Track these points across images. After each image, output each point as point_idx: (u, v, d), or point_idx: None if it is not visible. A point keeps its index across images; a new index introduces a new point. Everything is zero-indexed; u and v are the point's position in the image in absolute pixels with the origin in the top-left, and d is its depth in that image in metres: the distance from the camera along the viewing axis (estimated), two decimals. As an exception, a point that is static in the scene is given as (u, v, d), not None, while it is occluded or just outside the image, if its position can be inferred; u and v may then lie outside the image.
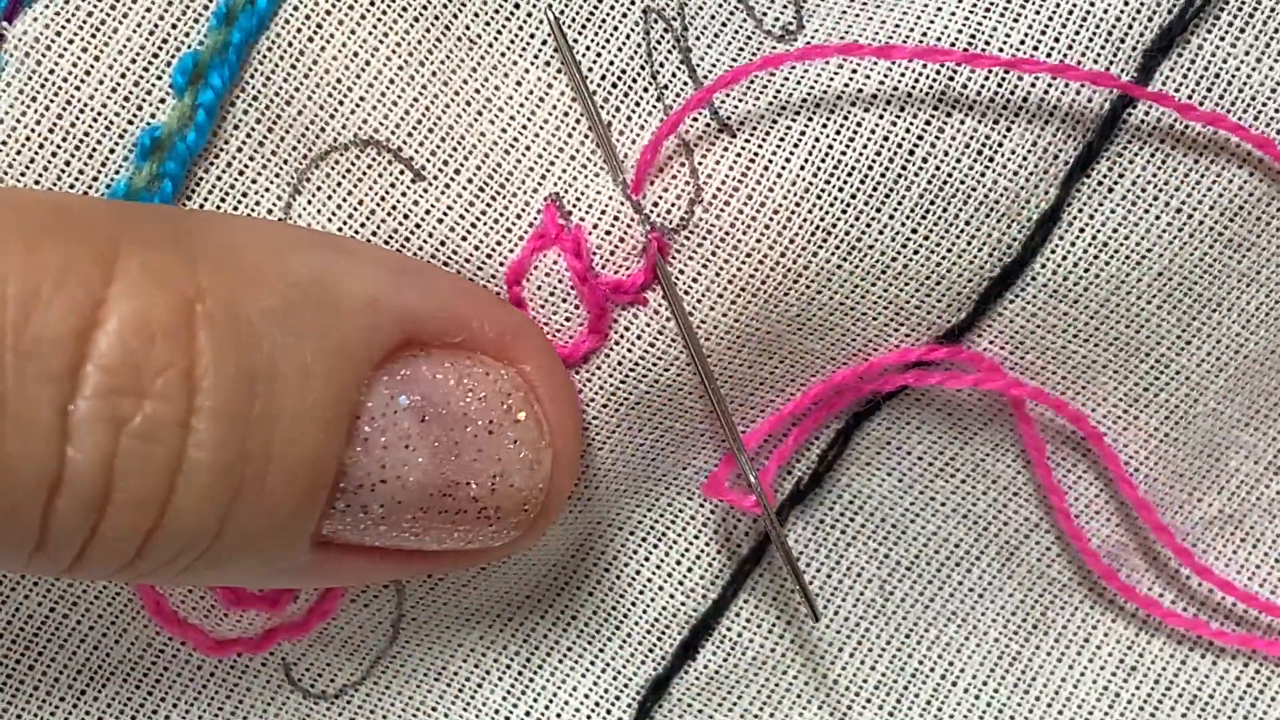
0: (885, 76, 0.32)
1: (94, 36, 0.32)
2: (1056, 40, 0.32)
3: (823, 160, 0.32)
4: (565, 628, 0.37)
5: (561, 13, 0.33)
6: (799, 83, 0.33)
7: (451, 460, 0.29)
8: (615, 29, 0.34)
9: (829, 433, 0.36)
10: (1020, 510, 0.37)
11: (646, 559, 0.37)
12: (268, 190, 0.32)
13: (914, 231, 0.32)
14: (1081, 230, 0.33)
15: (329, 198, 0.32)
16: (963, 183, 0.32)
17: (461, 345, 0.30)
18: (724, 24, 0.34)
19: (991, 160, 0.32)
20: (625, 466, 0.35)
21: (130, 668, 0.35)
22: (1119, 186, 0.33)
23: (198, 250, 0.27)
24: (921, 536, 0.37)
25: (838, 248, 0.32)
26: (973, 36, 0.32)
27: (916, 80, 0.32)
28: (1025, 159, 0.32)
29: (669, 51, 0.34)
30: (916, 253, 0.33)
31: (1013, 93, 0.32)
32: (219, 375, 0.26)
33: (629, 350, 0.33)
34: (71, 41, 0.31)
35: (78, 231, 0.26)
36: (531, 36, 0.33)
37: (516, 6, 0.33)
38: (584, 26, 0.33)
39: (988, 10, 0.32)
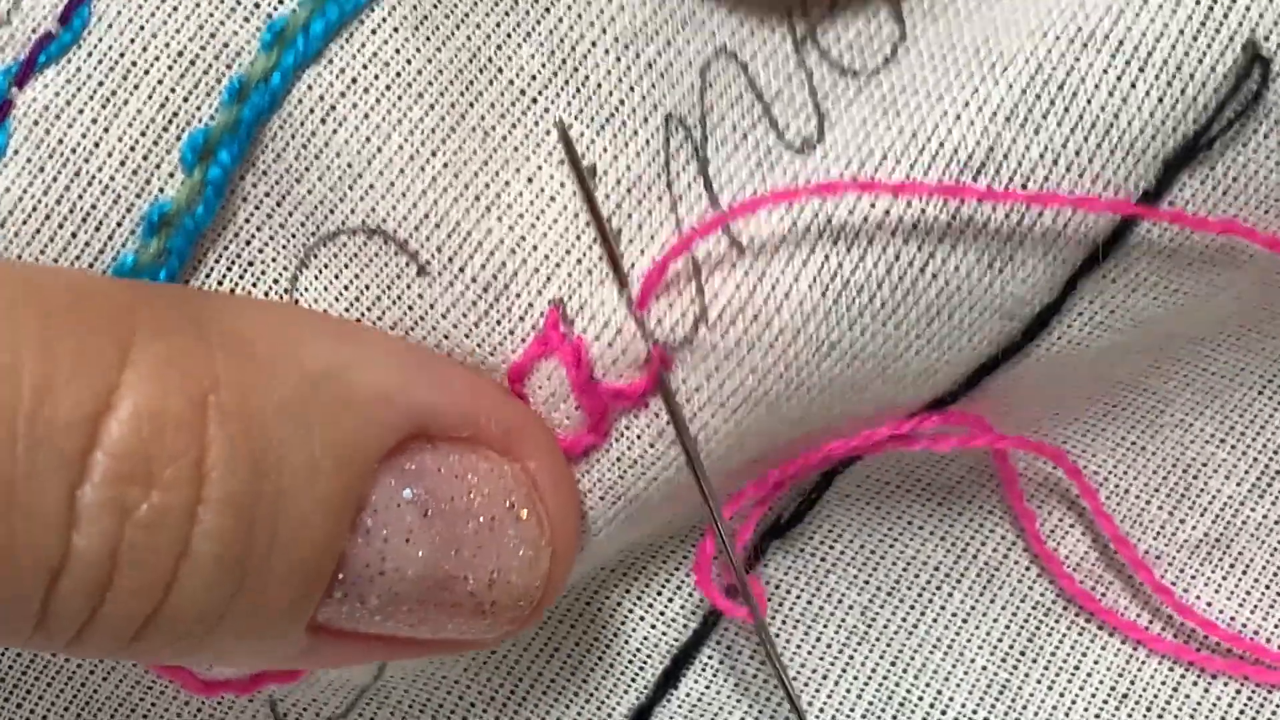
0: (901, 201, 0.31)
1: (104, 107, 0.31)
2: (1077, 153, 0.31)
3: (831, 279, 0.31)
4: (548, 659, 0.37)
5: (580, 114, 0.32)
6: (812, 204, 0.32)
7: (451, 555, 0.29)
8: (635, 134, 0.32)
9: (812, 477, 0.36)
10: (996, 529, 0.37)
11: (627, 590, 0.37)
12: (274, 260, 0.32)
13: (918, 338, 0.32)
14: (1080, 314, 0.33)
15: (335, 277, 0.32)
16: (970, 293, 0.32)
17: (468, 440, 0.30)
18: (744, 135, 0.33)
19: (1001, 272, 0.32)
20: (617, 545, 0.35)
21: (118, 704, 0.35)
22: (1122, 279, 0.32)
23: (213, 338, 0.27)
24: (901, 560, 0.37)
25: (840, 358, 0.32)
26: (991, 148, 0.31)
27: (930, 203, 0.31)
28: (1034, 268, 0.32)
29: (687, 161, 0.33)
30: (918, 354, 0.32)
31: (1026, 211, 0.31)
32: (228, 467, 0.26)
33: (628, 448, 0.32)
34: (82, 111, 0.30)
35: (94, 317, 0.26)
36: (547, 133, 0.32)
37: (534, 101, 0.32)
38: (602, 128, 0.32)
39: (1008, 120, 0.31)
